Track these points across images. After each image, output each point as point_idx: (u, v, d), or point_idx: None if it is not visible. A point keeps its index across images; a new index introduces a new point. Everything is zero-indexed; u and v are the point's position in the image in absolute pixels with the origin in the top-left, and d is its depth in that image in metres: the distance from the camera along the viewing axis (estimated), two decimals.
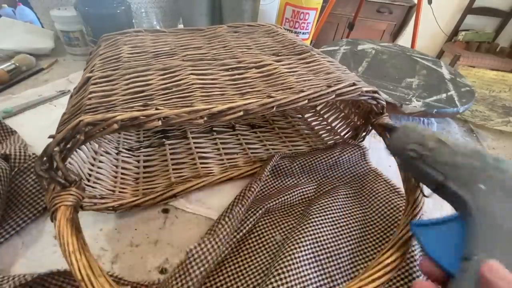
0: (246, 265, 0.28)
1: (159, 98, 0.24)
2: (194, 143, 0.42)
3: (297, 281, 0.25)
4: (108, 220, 0.32)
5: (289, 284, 0.25)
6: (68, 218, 0.20)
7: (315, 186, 0.37)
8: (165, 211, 0.34)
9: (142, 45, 0.35)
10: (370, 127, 0.36)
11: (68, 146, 0.21)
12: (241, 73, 0.30)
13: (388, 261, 0.19)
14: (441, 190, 0.19)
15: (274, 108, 0.25)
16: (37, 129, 0.43)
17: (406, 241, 0.21)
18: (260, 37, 0.41)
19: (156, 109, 0.22)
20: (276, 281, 0.26)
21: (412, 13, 1.71)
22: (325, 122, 0.47)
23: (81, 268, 0.17)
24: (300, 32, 0.67)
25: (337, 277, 0.28)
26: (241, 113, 0.24)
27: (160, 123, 0.22)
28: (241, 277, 0.27)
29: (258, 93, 0.26)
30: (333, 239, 0.30)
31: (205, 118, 0.23)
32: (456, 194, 0.18)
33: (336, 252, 0.29)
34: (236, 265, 0.28)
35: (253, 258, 0.29)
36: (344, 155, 0.38)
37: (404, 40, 1.82)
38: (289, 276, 0.25)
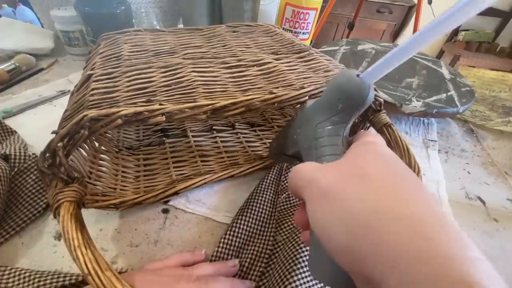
0: (249, 266, 0.28)
1: (162, 95, 0.24)
2: (195, 141, 0.42)
3: (302, 281, 0.25)
4: (108, 220, 0.32)
5: (293, 285, 0.25)
6: (72, 213, 0.20)
7: None
8: (165, 211, 0.34)
9: (142, 44, 0.35)
10: (368, 124, 0.36)
11: (72, 141, 0.21)
12: (241, 71, 0.30)
13: None
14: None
15: (276, 104, 0.25)
16: (37, 129, 0.43)
17: None
18: (258, 37, 0.41)
19: (160, 104, 0.22)
20: (279, 282, 0.25)
21: (412, 13, 1.71)
22: None
23: (87, 262, 0.17)
24: (300, 32, 0.67)
25: None
26: (243, 108, 0.24)
27: (164, 118, 0.22)
28: (243, 278, 0.27)
29: (259, 90, 0.26)
30: None
31: (208, 114, 0.23)
32: None
33: None
34: (239, 266, 0.28)
35: (255, 258, 0.29)
36: None
37: (404, 40, 1.82)
38: (292, 276, 0.25)
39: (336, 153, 0.19)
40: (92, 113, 0.20)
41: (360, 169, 0.16)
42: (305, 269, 0.26)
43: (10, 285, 0.24)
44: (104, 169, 0.34)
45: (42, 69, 0.58)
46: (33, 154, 0.36)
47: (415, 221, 0.12)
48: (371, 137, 0.19)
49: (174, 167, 0.37)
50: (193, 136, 0.43)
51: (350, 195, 0.14)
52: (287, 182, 0.37)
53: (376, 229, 0.13)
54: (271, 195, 0.34)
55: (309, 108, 0.22)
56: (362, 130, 0.21)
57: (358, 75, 0.19)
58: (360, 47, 0.67)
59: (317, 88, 0.27)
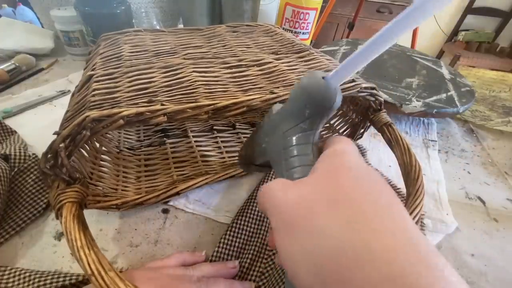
0: (248, 266, 0.28)
1: (163, 95, 0.24)
2: (195, 141, 0.42)
3: None
4: (108, 220, 0.32)
5: None
6: (75, 214, 0.20)
7: None
8: (165, 211, 0.34)
9: (143, 44, 0.35)
10: (368, 124, 0.36)
11: (74, 142, 0.21)
12: (242, 70, 0.30)
13: None
14: None
15: None
16: (37, 129, 0.43)
17: None
18: (259, 37, 0.41)
19: (162, 104, 0.22)
20: (279, 282, 0.25)
21: None
22: None
23: (90, 263, 0.17)
24: (300, 32, 0.67)
25: None
26: (245, 108, 0.24)
27: (165, 118, 0.22)
28: (243, 279, 0.27)
29: (260, 89, 0.26)
30: None
31: (210, 114, 0.23)
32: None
33: None
34: (239, 266, 0.28)
35: (255, 259, 0.29)
36: None
37: (404, 40, 1.82)
38: None
39: (307, 163, 0.18)
40: (94, 113, 0.20)
41: (329, 191, 0.14)
42: None
43: (10, 285, 0.24)
44: (105, 169, 0.34)
45: (42, 69, 0.58)
46: (33, 154, 0.36)
47: (389, 257, 0.11)
48: (341, 145, 0.17)
49: (175, 167, 0.37)
50: (193, 136, 0.43)
51: (319, 227, 0.13)
52: None
53: (348, 269, 0.11)
54: None
55: (276, 115, 0.20)
56: (332, 136, 0.20)
57: (324, 77, 0.17)
58: (360, 47, 0.67)
59: None
